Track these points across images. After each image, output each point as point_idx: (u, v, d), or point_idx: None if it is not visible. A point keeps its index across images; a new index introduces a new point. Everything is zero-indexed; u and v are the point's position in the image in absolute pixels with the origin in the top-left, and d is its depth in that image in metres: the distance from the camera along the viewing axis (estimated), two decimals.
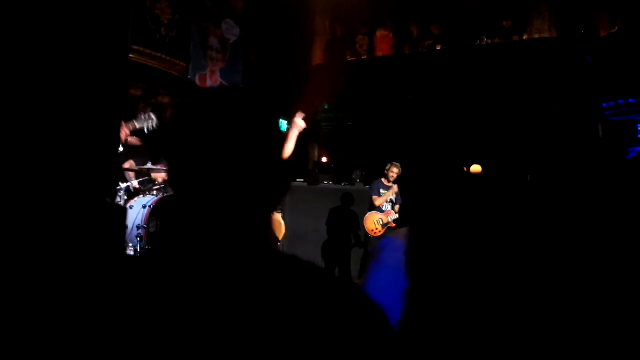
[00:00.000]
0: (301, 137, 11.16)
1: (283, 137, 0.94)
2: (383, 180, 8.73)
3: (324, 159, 10.80)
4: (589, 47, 9.78)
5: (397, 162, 8.59)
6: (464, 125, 10.37)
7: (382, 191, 8.64)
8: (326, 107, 11.98)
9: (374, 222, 8.60)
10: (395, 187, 8.53)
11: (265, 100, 0.93)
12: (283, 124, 11.32)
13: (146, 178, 6.81)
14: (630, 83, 9.00)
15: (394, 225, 7.96)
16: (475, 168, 10.12)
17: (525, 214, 1.36)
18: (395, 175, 8.53)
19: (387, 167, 8.58)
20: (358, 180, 9.85)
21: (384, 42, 12.38)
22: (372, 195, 8.71)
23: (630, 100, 9.02)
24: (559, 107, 9.48)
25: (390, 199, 8.60)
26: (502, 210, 1.36)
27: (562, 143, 9.09)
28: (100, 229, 2.16)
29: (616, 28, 9.70)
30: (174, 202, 0.89)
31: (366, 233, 8.70)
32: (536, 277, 1.26)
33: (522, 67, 10.10)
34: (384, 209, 8.60)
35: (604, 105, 9.34)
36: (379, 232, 8.49)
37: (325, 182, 10.04)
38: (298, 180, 10.05)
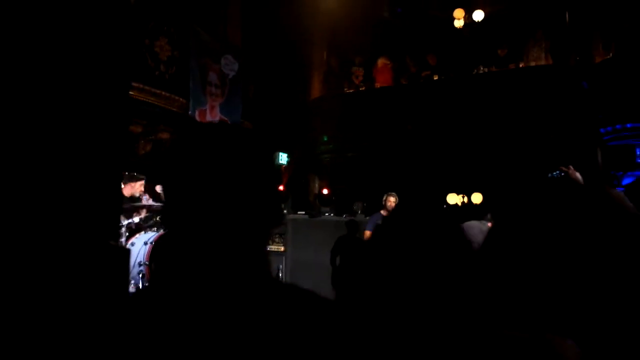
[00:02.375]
0: (301, 169, 11.25)
1: (277, 171, 0.95)
2: (382, 212, 8.76)
3: (325, 191, 10.80)
4: (585, 73, 9.86)
5: (396, 191, 8.61)
6: (463, 154, 10.39)
7: (379, 223, 8.62)
8: (325, 139, 12.02)
9: None
10: None
11: (260, 137, 0.94)
12: (282, 157, 11.40)
13: (148, 214, 6.82)
14: (627, 108, 9.05)
15: None
16: (476, 197, 10.13)
17: (527, 240, 1.36)
18: (393, 205, 8.55)
19: (384, 198, 8.63)
20: (359, 212, 9.86)
21: (384, 73, 12.48)
22: (365, 230, 8.75)
23: (628, 125, 9.06)
24: (557, 133, 9.51)
25: None
26: (502, 242, 1.36)
27: (561, 169, 9.09)
28: (103, 272, 2.15)
29: (611, 54, 9.78)
30: (169, 238, 0.89)
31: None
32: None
33: (520, 95, 10.16)
34: None
35: (602, 130, 9.38)
36: None
37: (326, 214, 10.04)
38: (299, 212, 10.06)
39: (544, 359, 1.10)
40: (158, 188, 6.58)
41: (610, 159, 9.36)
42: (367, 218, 9.08)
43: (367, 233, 8.66)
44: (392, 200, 8.57)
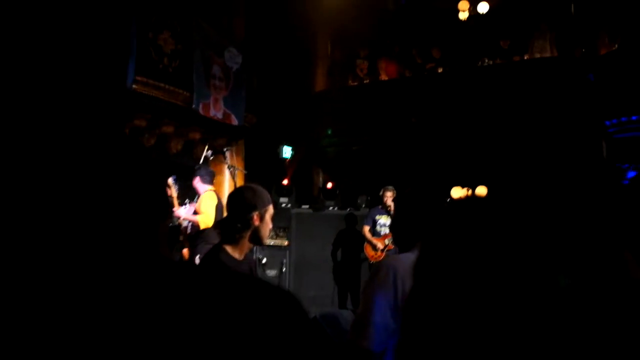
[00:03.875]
0: (305, 162, 11.23)
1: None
2: (380, 207, 8.78)
3: (329, 185, 10.80)
4: (591, 65, 9.81)
5: (401, 184, 8.62)
6: (468, 146, 10.37)
7: (377, 217, 8.68)
8: (330, 133, 12.01)
9: (372, 248, 8.63)
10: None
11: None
12: (287, 150, 11.39)
13: None
14: (632, 100, 9.01)
15: (393, 247, 7.95)
16: (481, 190, 10.10)
17: (531, 233, 1.35)
18: (389, 199, 8.57)
19: (381, 192, 8.64)
20: (363, 205, 9.85)
21: (389, 66, 12.45)
22: (364, 225, 8.78)
23: (633, 118, 9.01)
24: (562, 126, 9.47)
25: (389, 222, 8.61)
26: (504, 233, 1.35)
27: (567, 161, 9.08)
28: None
29: (616, 46, 9.73)
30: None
31: (367, 259, 8.73)
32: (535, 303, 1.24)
33: (524, 87, 10.12)
34: (381, 232, 8.63)
35: (607, 123, 9.34)
36: (379, 256, 8.50)
37: (331, 208, 10.04)
38: (303, 206, 10.06)
39: None
40: None
41: (615, 151, 9.32)
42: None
43: (366, 228, 8.70)
44: (389, 195, 8.59)
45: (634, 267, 1.31)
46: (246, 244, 3.17)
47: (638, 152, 9.04)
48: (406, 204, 2.87)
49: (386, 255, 8.41)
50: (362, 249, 8.82)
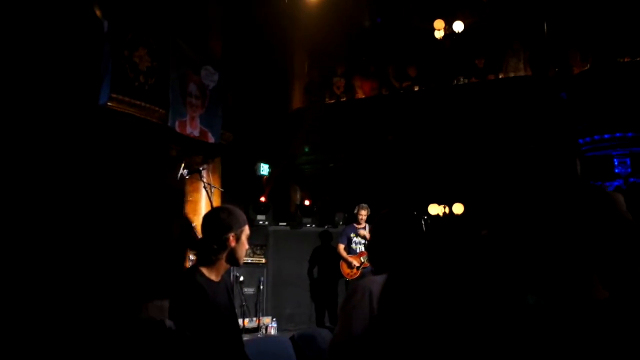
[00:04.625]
0: (283, 180, 11.24)
1: None
2: (354, 224, 8.82)
3: (306, 202, 10.79)
4: (564, 84, 9.96)
5: (378, 202, 8.69)
6: (444, 164, 10.44)
7: (352, 235, 8.73)
8: (307, 150, 12.02)
9: (347, 266, 8.65)
10: (365, 232, 8.61)
11: None
12: (264, 168, 11.37)
13: None
14: (604, 119, 9.16)
15: (368, 264, 7.99)
16: (458, 208, 10.16)
17: (501, 253, 1.36)
18: (364, 217, 8.65)
19: (356, 210, 8.72)
20: (341, 223, 9.88)
21: (365, 84, 12.52)
22: (339, 243, 8.81)
23: (606, 136, 9.15)
24: (536, 144, 9.58)
25: (364, 240, 8.67)
26: (478, 252, 1.36)
27: (541, 179, 9.17)
28: None
29: (588, 65, 9.90)
30: None
31: (343, 277, 8.75)
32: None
33: (499, 106, 10.23)
34: (357, 250, 8.67)
35: (581, 141, 9.47)
36: (355, 274, 8.53)
37: (308, 225, 10.04)
38: (280, 223, 10.04)
39: None
40: None
41: (589, 169, 9.44)
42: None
43: (341, 246, 8.73)
44: (363, 213, 8.68)
45: (598, 289, 1.34)
46: (223, 265, 3.17)
47: (611, 169, 9.18)
48: (383, 225, 2.88)
49: (362, 273, 8.44)
50: (338, 267, 8.82)
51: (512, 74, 10.97)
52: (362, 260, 8.50)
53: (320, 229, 9.78)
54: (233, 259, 3.17)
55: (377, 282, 2.47)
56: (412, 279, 1.34)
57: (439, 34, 11.55)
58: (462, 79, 11.40)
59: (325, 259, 9.32)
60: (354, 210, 8.90)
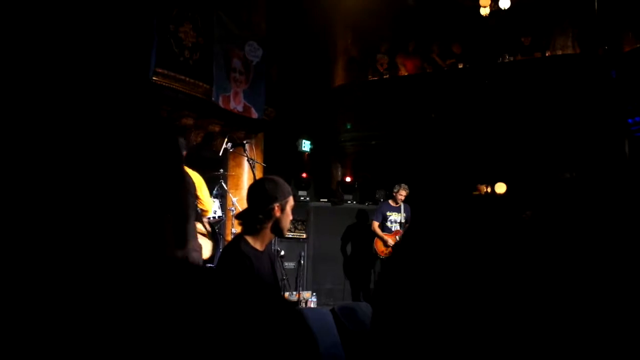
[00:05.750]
0: (324, 156, 11.23)
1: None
2: (390, 202, 8.78)
3: (348, 179, 10.79)
4: (613, 62, 9.71)
5: (419, 180, 8.63)
6: (488, 143, 10.31)
7: (388, 213, 8.70)
8: (349, 127, 12.00)
9: (382, 244, 8.64)
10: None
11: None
12: (306, 144, 11.40)
13: None
14: None
15: None
16: (500, 187, 10.04)
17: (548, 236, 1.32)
18: (403, 197, 8.60)
19: (396, 190, 8.66)
20: (382, 200, 9.85)
21: (408, 61, 12.42)
22: (373, 220, 8.78)
23: None
24: (584, 123, 9.38)
25: (401, 219, 8.65)
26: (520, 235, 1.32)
27: (589, 159, 9.00)
28: None
29: (639, 44, 9.62)
30: None
31: (377, 254, 8.75)
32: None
33: (546, 84, 10.04)
34: (392, 229, 8.64)
35: (630, 121, 9.25)
36: (389, 252, 8.52)
37: (349, 202, 10.05)
38: (322, 200, 10.07)
39: None
40: None
41: (637, 149, 9.23)
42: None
43: (375, 224, 8.71)
44: (403, 194, 8.62)
45: None
46: (267, 235, 3.20)
47: None
48: (425, 203, 2.89)
49: None
50: (371, 244, 8.83)
51: (559, 52, 10.74)
52: (398, 239, 8.49)
53: (362, 206, 9.78)
54: (278, 229, 3.20)
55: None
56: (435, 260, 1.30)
57: (484, 10, 11.34)
58: (507, 57, 11.22)
59: (360, 237, 9.33)
60: (393, 189, 8.87)
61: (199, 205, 6.40)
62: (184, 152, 6.73)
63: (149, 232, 0.84)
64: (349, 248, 9.50)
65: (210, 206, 6.63)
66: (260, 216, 3.14)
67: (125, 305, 0.76)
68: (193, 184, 5.92)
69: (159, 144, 0.87)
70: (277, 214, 3.15)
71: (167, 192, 0.86)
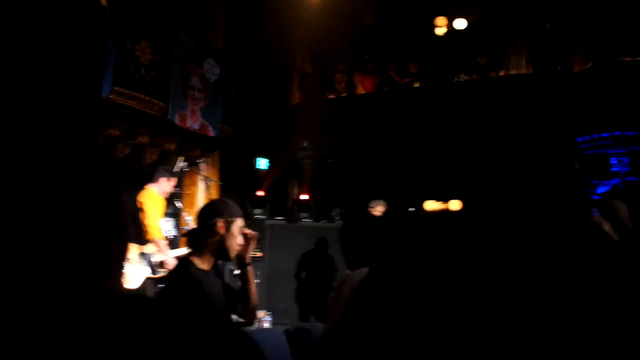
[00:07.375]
0: (281, 174, 11.20)
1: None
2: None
3: (304, 197, 10.80)
4: (565, 82, 9.96)
5: (374, 199, 8.59)
6: (443, 161, 10.44)
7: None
8: (306, 145, 12.03)
9: None
10: None
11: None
12: (263, 162, 11.39)
13: None
14: (603, 117, 9.17)
15: None
16: (454, 205, 10.16)
17: (502, 246, 1.37)
18: (380, 214, 8.47)
19: (372, 206, 8.42)
20: (337, 218, 9.87)
21: (366, 80, 12.52)
22: None
23: (604, 135, 9.17)
24: (536, 142, 9.59)
25: None
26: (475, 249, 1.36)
27: (540, 177, 9.19)
28: None
29: (590, 64, 9.89)
30: None
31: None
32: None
33: (500, 103, 10.23)
34: None
35: (579, 139, 9.49)
36: None
37: (305, 220, 10.05)
38: (277, 217, 10.05)
39: None
40: None
41: (586, 167, 9.46)
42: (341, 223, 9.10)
43: None
44: (379, 209, 8.38)
45: None
46: (213, 254, 3.12)
47: (607, 168, 9.20)
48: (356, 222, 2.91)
49: None
50: (331, 272, 8.71)
51: (513, 72, 10.96)
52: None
53: (318, 224, 9.79)
54: (222, 250, 3.10)
55: (363, 273, 2.49)
56: (389, 274, 1.34)
57: (440, 30, 11.55)
58: (463, 76, 11.40)
59: (314, 256, 9.25)
60: (354, 205, 8.80)
61: (147, 229, 6.35)
62: (166, 178, 6.71)
63: (86, 262, 0.83)
64: (303, 274, 9.40)
65: (157, 232, 6.52)
66: (204, 232, 3.09)
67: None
68: (137, 211, 5.86)
69: (93, 174, 0.87)
70: (221, 230, 3.06)
71: (104, 223, 0.85)
